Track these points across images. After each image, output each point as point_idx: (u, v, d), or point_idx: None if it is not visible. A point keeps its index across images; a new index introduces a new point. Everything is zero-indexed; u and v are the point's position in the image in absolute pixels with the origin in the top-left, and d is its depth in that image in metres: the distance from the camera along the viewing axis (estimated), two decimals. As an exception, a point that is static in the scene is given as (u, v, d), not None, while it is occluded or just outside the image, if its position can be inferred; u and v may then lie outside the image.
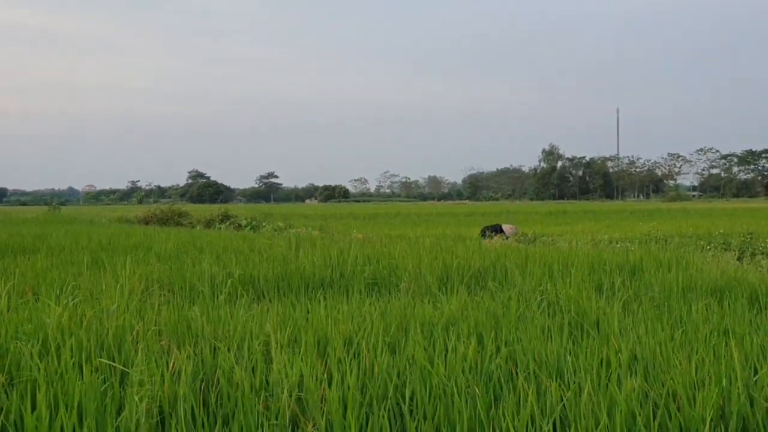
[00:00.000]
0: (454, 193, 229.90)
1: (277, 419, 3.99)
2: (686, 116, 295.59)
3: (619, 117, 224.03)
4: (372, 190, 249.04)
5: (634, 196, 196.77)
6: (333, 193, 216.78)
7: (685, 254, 11.93)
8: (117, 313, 6.17)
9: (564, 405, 4.11)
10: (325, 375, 4.50)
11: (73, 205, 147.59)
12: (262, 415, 4.03)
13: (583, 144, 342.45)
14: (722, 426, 3.99)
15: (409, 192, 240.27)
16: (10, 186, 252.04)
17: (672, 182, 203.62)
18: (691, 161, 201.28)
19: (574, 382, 4.38)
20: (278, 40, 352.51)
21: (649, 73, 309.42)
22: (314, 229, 27.29)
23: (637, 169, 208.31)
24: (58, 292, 7.47)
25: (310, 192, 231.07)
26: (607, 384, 4.28)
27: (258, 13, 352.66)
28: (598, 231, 25.93)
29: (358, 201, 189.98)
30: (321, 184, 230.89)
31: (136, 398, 4.01)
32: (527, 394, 4.09)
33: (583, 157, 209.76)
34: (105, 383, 4.35)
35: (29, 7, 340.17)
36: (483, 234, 22.80)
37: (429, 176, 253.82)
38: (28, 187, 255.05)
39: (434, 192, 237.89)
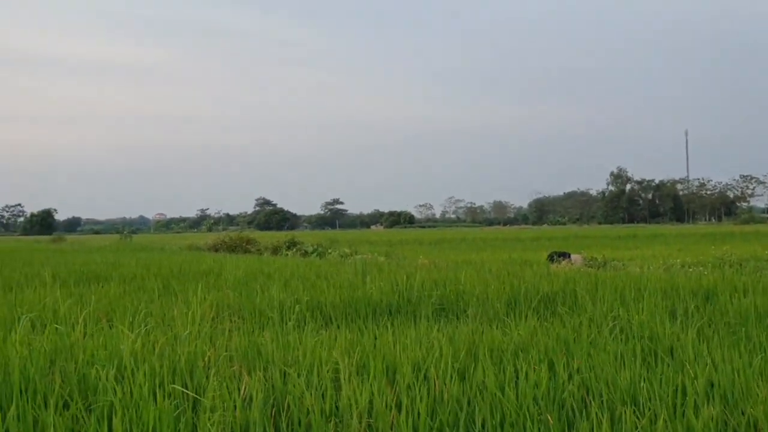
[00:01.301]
0: (520, 218, 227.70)
1: (347, 445, 3.99)
2: (758, 137, 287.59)
3: (688, 139, 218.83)
4: (437, 215, 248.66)
5: (705, 219, 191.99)
6: (398, 219, 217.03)
7: (761, 278, 11.57)
8: (188, 340, 6.27)
9: (639, 433, 4.01)
10: (394, 401, 4.48)
11: (144, 234, 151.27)
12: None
13: (651, 167, 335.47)
14: (808, 457, 3.84)
15: (475, 217, 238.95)
16: (84, 215, 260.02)
17: (745, 204, 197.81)
18: (765, 183, 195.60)
19: (649, 410, 4.28)
20: (340, 67, 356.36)
21: (718, 94, 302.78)
22: (380, 254, 27.39)
23: (708, 192, 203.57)
24: (130, 319, 7.64)
25: (376, 218, 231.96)
26: (683, 411, 4.17)
27: (316, 41, 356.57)
28: (669, 255, 25.39)
29: (424, 227, 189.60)
30: (386, 210, 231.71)
31: (209, 424, 4.06)
32: (601, 422, 4.01)
33: (653, 180, 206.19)
34: (178, 409, 4.41)
35: (86, 38, 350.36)
36: (551, 259, 22.54)
37: (494, 201, 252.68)
38: (101, 216, 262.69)
39: (500, 217, 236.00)
